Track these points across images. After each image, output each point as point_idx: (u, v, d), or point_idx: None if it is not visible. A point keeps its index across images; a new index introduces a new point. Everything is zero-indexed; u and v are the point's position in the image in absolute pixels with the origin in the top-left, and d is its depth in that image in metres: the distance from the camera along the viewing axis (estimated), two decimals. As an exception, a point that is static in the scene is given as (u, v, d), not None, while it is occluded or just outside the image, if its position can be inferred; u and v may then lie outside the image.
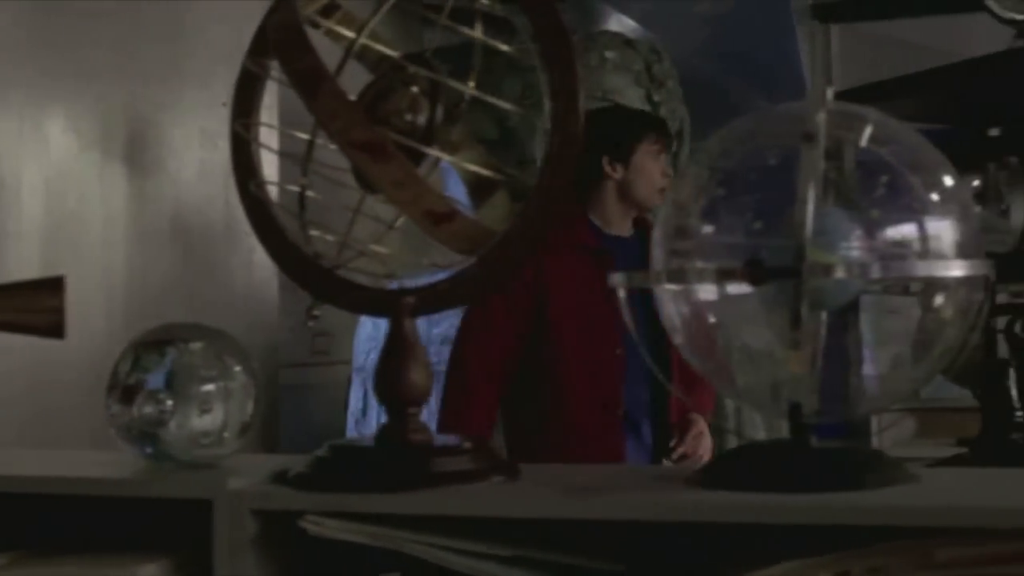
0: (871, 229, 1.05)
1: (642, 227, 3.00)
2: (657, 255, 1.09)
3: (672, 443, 2.88)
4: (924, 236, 1.05)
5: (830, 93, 1.11)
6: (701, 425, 2.92)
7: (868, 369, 1.07)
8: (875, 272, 1.03)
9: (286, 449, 3.01)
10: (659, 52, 3.86)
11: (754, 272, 0.96)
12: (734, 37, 4.86)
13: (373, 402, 3.70)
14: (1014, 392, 2.10)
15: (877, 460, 1.08)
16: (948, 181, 1.07)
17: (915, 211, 1.06)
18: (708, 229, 1.07)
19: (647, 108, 3.62)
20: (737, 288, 1.03)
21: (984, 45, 3.46)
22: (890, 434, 5.25)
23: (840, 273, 1.01)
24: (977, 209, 2.15)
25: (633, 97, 3.56)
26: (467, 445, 1.17)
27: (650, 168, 2.89)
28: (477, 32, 1.23)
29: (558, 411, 2.81)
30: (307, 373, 4.03)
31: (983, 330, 2.28)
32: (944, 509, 0.97)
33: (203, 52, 3.04)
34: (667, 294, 1.08)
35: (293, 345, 3.81)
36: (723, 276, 1.02)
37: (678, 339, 1.07)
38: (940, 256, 1.05)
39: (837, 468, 1.05)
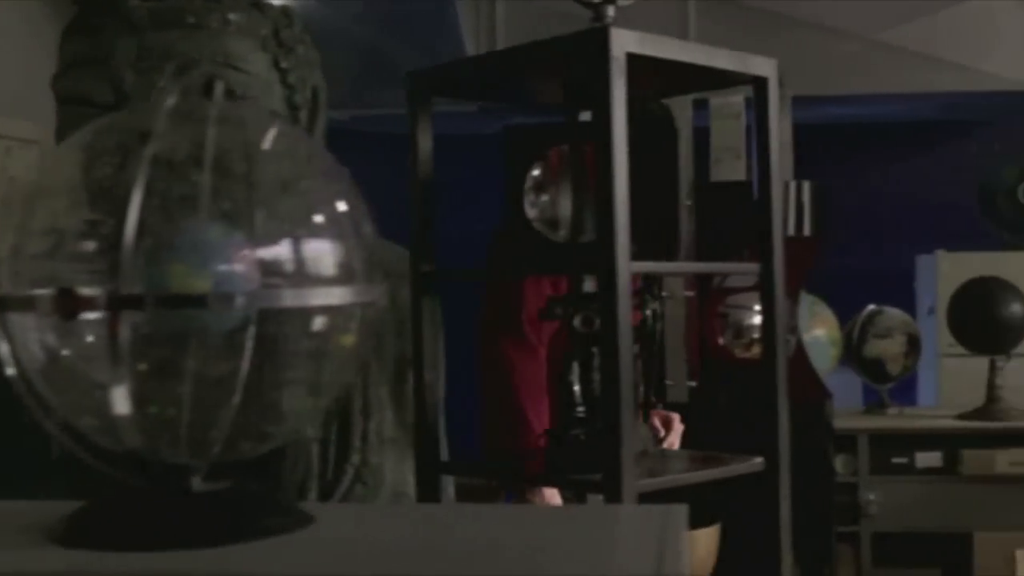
0: (256, 248, 0.92)
1: None
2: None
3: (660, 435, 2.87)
4: (311, 258, 0.93)
5: (220, 88, 0.97)
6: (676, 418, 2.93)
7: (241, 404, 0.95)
8: (241, 302, 0.90)
9: None
10: (290, 16, 3.62)
11: (64, 303, 0.82)
12: (392, 2, 4.75)
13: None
14: (577, 388, 2.05)
15: (263, 506, 0.96)
16: (342, 205, 0.96)
17: (306, 232, 0.94)
18: (58, 247, 0.92)
19: (273, 75, 3.44)
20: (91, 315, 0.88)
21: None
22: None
23: (213, 304, 0.88)
24: (544, 198, 2.09)
25: (259, 63, 3.36)
26: None
27: None
28: None
29: None
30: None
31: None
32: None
33: None
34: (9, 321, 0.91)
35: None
36: (34, 305, 0.87)
37: (8, 370, 0.92)
38: (330, 280, 0.94)
39: (207, 520, 0.93)
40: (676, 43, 2.02)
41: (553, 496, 2.75)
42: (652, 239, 2.14)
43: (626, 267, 1.89)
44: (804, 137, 6.13)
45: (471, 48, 4.93)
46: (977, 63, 5.30)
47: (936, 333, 5.14)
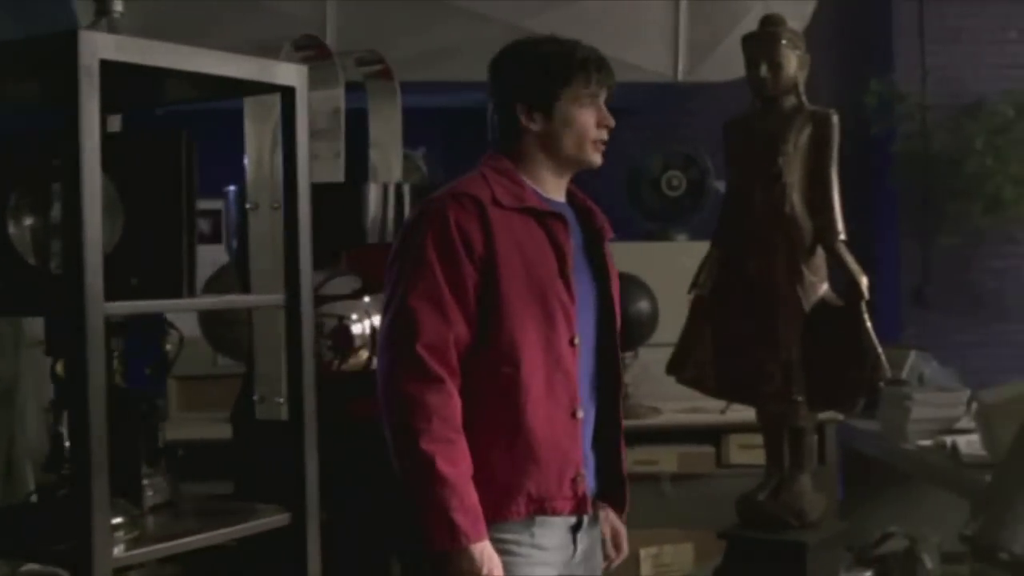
0: None
1: (572, 199, 2.43)
2: None
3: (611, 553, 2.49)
4: None
5: None
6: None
7: None
8: None
9: None
10: None
11: None
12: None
13: None
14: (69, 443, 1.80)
15: None
16: None
17: None
18: None
19: None
20: None
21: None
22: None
23: None
24: (29, 221, 1.82)
25: None
26: None
27: (578, 117, 2.29)
28: None
29: (514, 416, 2.21)
30: None
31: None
32: None
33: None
34: None
35: None
36: None
37: None
38: None
39: None
40: (175, 49, 1.79)
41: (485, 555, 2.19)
42: (159, 270, 1.90)
43: (98, 308, 1.66)
44: (456, 125, 6.01)
45: (85, 21, 4.55)
46: (621, 53, 5.25)
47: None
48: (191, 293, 1.89)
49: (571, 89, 2.29)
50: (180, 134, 1.87)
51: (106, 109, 2.14)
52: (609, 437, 2.40)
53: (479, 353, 2.20)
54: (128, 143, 1.96)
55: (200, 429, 4.33)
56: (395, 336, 2.19)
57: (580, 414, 2.27)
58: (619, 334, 2.45)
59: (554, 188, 2.35)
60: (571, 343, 2.26)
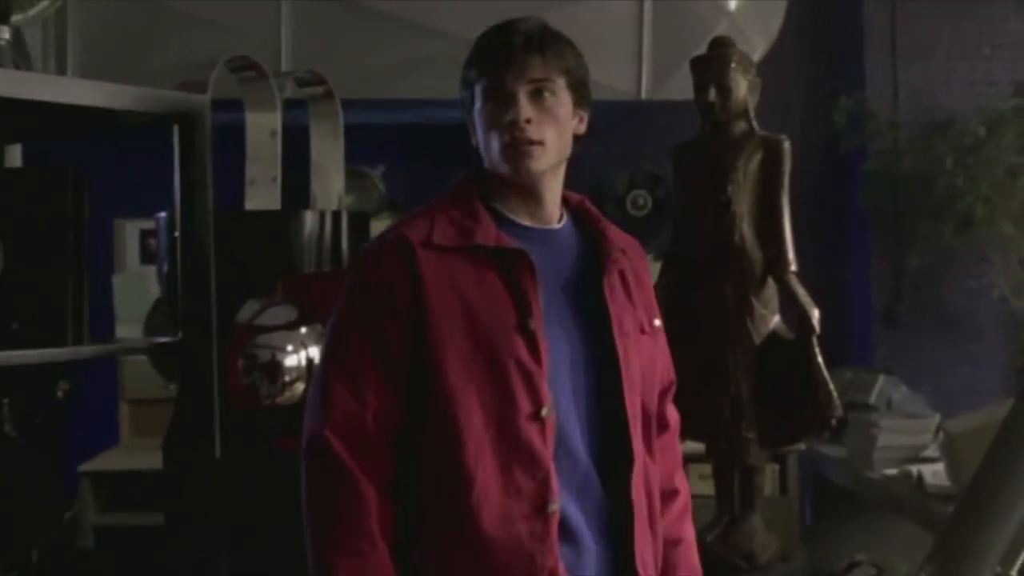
0: None
1: (581, 214, 1.98)
2: None
3: None
4: None
5: None
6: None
7: None
8: None
9: None
10: None
11: None
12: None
13: None
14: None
15: None
16: None
17: None
18: None
19: None
20: None
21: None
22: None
23: None
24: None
25: None
26: None
27: (480, 118, 1.85)
28: None
29: (459, 512, 1.78)
30: None
31: None
32: None
33: None
34: None
35: None
36: None
37: None
38: None
39: None
40: (53, 81, 1.68)
41: None
42: (42, 315, 1.78)
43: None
44: (416, 142, 5.89)
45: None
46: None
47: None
48: (78, 340, 1.77)
49: (475, 88, 1.86)
50: (67, 170, 1.75)
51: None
52: (621, 524, 1.89)
53: (413, 433, 1.83)
54: (11, 180, 1.84)
55: (150, 457, 4.21)
56: (309, 412, 1.85)
57: (553, 508, 1.79)
58: (637, 391, 1.93)
59: (529, 211, 1.89)
60: (535, 417, 1.79)
